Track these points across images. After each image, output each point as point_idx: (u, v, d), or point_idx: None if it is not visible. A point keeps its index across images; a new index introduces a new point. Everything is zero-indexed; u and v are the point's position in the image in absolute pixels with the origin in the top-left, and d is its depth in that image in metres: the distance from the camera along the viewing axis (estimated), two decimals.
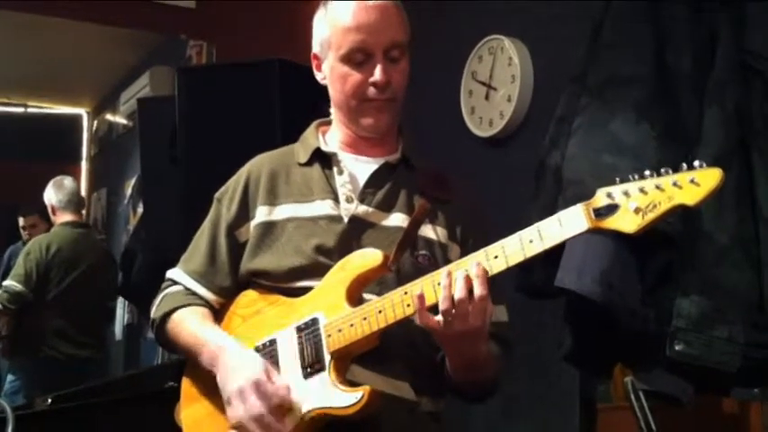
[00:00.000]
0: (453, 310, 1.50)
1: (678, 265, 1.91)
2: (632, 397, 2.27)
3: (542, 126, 2.23)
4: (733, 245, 1.88)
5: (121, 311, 6.05)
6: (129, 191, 6.28)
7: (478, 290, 1.49)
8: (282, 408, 1.60)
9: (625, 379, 2.31)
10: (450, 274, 1.52)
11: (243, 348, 1.69)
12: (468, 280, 1.50)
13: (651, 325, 1.94)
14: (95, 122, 7.40)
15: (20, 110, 7.19)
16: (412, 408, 1.66)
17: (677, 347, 1.87)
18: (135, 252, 4.45)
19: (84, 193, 7.04)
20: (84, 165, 7.52)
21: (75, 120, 7.55)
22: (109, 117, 7.02)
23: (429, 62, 3.34)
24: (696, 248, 1.89)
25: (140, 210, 5.07)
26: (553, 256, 1.89)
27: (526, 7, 3.13)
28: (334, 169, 1.78)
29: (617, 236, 1.77)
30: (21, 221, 5.41)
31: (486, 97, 3.25)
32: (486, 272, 1.50)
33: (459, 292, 1.50)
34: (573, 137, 2.06)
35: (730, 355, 1.86)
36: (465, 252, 1.68)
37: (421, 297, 1.53)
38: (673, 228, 1.83)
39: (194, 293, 1.81)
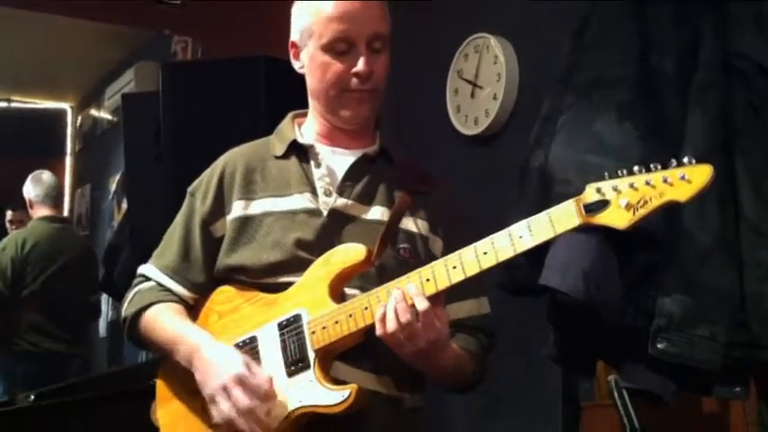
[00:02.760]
0: (398, 338, 1.51)
1: (660, 264, 1.92)
2: (616, 395, 2.28)
3: (528, 124, 2.24)
4: (715, 245, 1.89)
5: (106, 308, 6.02)
6: (113, 187, 6.25)
7: (420, 305, 1.51)
8: (268, 399, 1.58)
9: (608, 377, 2.32)
10: (384, 306, 1.53)
11: (220, 344, 1.67)
12: (406, 301, 1.51)
13: (633, 323, 1.95)
14: (80, 118, 7.35)
15: (3, 104, 7.14)
16: (395, 403, 1.66)
17: (659, 346, 1.88)
18: (119, 248, 4.43)
19: (67, 188, 7.00)
20: (68, 160, 7.47)
21: (60, 115, 7.50)
22: (93, 112, 6.98)
23: (415, 60, 3.34)
24: (679, 248, 1.90)
25: (125, 206, 5.04)
26: (537, 254, 1.90)
27: (512, 6, 3.13)
28: (312, 162, 1.76)
29: (600, 235, 1.78)
30: (8, 215, 5.38)
31: (472, 95, 3.25)
32: (419, 291, 1.51)
33: (391, 324, 1.51)
34: (557, 136, 2.06)
35: (712, 353, 1.87)
36: (447, 244, 1.69)
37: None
38: (655, 227, 1.83)
39: (167, 289, 1.78)
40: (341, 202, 1.72)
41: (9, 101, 7.16)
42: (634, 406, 2.24)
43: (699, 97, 1.94)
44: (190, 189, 1.84)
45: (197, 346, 1.66)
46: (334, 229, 1.70)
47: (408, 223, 1.72)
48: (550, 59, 2.37)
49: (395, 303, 1.51)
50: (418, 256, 1.69)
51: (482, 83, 3.20)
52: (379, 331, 1.53)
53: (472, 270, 1.51)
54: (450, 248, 1.60)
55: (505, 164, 2.72)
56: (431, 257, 1.64)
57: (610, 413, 2.33)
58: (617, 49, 2.03)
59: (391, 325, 1.51)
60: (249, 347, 1.67)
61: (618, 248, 1.91)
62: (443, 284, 1.52)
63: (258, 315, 1.69)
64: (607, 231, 1.68)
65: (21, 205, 5.19)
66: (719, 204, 1.89)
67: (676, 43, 2.00)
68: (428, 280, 1.53)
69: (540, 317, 2.13)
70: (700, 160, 1.39)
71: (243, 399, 1.57)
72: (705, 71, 1.95)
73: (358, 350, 1.62)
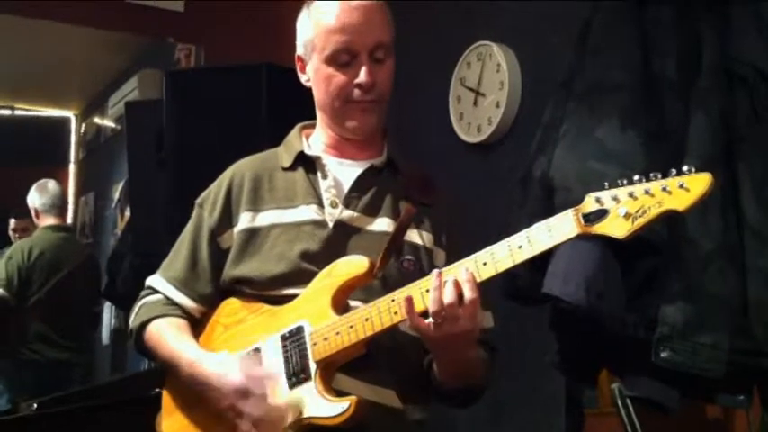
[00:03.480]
0: (443, 312, 1.49)
1: (663, 271, 1.92)
2: (619, 403, 2.27)
3: (530, 132, 2.24)
4: (717, 251, 1.88)
5: (108, 316, 6.02)
6: (116, 195, 6.24)
7: (469, 293, 1.48)
8: (273, 406, 1.59)
9: (612, 385, 2.31)
10: (440, 275, 1.50)
11: (219, 356, 1.66)
12: (458, 284, 1.49)
13: (636, 331, 1.94)
14: (83, 126, 7.35)
15: (7, 112, 7.15)
16: (398, 415, 1.65)
17: (662, 354, 1.88)
18: (122, 256, 4.44)
19: (71, 196, 7.00)
20: (71, 168, 7.47)
21: (63, 123, 7.50)
22: (97, 120, 6.98)
23: (418, 68, 3.34)
24: (681, 255, 1.89)
25: (128, 213, 5.05)
26: (539, 262, 1.90)
27: (515, 13, 3.13)
28: (319, 174, 1.77)
29: (602, 242, 1.78)
30: (12, 224, 5.38)
31: (475, 103, 3.25)
32: (474, 277, 1.49)
33: (449, 295, 1.48)
34: (560, 143, 2.06)
35: (715, 361, 1.86)
36: (450, 257, 1.68)
37: (409, 299, 1.51)
38: (657, 235, 1.83)
39: (174, 303, 1.78)
40: (347, 213, 1.72)
41: (12, 108, 7.17)
42: (637, 414, 2.23)
43: (701, 102, 1.94)
44: (198, 201, 1.85)
45: (196, 363, 1.67)
46: (339, 240, 1.70)
47: (413, 235, 1.72)
48: (553, 67, 2.37)
49: (449, 286, 1.49)
50: (422, 268, 1.69)
51: (485, 91, 3.20)
52: (434, 306, 1.49)
53: None
54: (452, 261, 1.60)
55: (508, 172, 2.72)
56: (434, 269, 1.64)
57: (613, 421, 2.32)
58: (618, 53, 2.03)
59: (438, 304, 1.48)
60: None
61: (620, 256, 1.90)
62: None
63: (262, 327, 1.69)
64: (609, 239, 1.68)
65: (24, 213, 5.20)
66: (722, 211, 1.88)
67: (678, 48, 2.00)
68: (428, 291, 1.52)
69: (543, 325, 2.13)
70: (702, 166, 1.39)
71: (249, 413, 1.57)
72: (707, 76, 1.96)
73: (361, 362, 1.62)
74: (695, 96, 1.96)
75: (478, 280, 1.50)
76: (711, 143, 1.92)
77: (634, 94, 1.99)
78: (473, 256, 1.51)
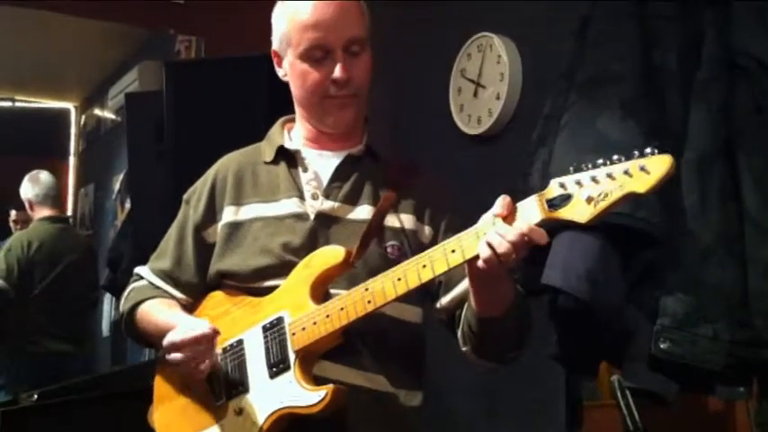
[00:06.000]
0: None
1: (663, 263, 1.92)
2: (618, 395, 2.28)
3: (531, 124, 2.23)
4: (718, 243, 1.88)
5: (108, 308, 6.02)
6: (116, 186, 6.25)
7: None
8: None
9: (611, 377, 2.32)
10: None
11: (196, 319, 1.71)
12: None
13: (636, 323, 1.94)
14: (83, 117, 7.35)
15: (7, 104, 7.14)
16: (390, 401, 1.67)
17: (662, 345, 1.88)
18: (122, 248, 4.43)
19: (71, 188, 7.00)
20: (71, 160, 7.47)
21: (63, 114, 7.50)
22: (97, 112, 6.97)
23: (418, 59, 3.34)
24: (681, 247, 1.89)
25: (128, 205, 5.05)
26: (536, 254, 1.89)
27: (515, 5, 3.13)
28: (299, 167, 1.78)
29: (602, 233, 1.79)
30: (12, 215, 5.37)
31: (475, 95, 3.24)
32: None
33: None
34: (560, 134, 2.06)
35: (715, 353, 1.86)
36: (437, 232, 1.70)
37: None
38: (657, 227, 1.83)
39: (160, 289, 1.83)
40: (327, 204, 1.74)
41: (13, 100, 7.16)
42: (637, 406, 2.23)
43: (701, 95, 1.94)
44: (185, 196, 1.88)
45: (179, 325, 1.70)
46: (321, 231, 1.71)
47: (393, 220, 1.73)
48: (554, 59, 2.36)
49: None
50: (405, 252, 1.69)
51: (485, 82, 3.20)
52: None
53: (441, 269, 1.51)
54: (438, 233, 1.63)
55: (508, 163, 2.72)
56: (421, 249, 1.65)
57: (612, 413, 2.33)
58: (619, 45, 2.03)
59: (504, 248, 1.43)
60: (237, 350, 1.71)
61: (620, 247, 1.91)
62: (414, 283, 1.53)
63: (245, 319, 1.72)
64: (609, 230, 1.67)
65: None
66: (722, 203, 1.88)
67: (679, 39, 2.00)
68: (399, 279, 1.54)
69: (542, 316, 2.13)
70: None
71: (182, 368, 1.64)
72: (708, 68, 1.95)
73: (348, 349, 1.64)
74: (696, 88, 1.96)
75: (447, 267, 1.50)
76: (712, 134, 1.91)
77: (635, 86, 1.99)
78: (441, 243, 1.52)
